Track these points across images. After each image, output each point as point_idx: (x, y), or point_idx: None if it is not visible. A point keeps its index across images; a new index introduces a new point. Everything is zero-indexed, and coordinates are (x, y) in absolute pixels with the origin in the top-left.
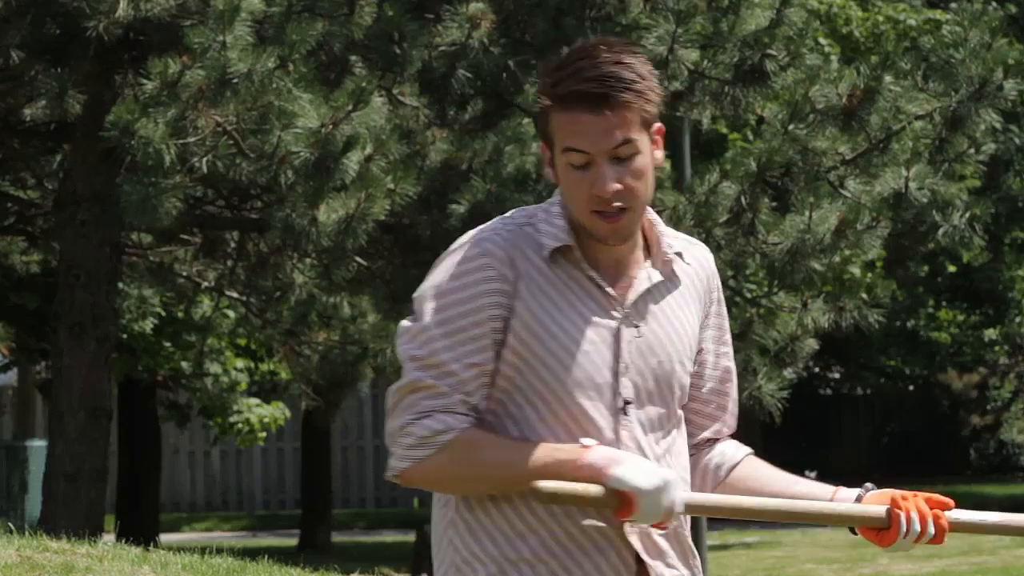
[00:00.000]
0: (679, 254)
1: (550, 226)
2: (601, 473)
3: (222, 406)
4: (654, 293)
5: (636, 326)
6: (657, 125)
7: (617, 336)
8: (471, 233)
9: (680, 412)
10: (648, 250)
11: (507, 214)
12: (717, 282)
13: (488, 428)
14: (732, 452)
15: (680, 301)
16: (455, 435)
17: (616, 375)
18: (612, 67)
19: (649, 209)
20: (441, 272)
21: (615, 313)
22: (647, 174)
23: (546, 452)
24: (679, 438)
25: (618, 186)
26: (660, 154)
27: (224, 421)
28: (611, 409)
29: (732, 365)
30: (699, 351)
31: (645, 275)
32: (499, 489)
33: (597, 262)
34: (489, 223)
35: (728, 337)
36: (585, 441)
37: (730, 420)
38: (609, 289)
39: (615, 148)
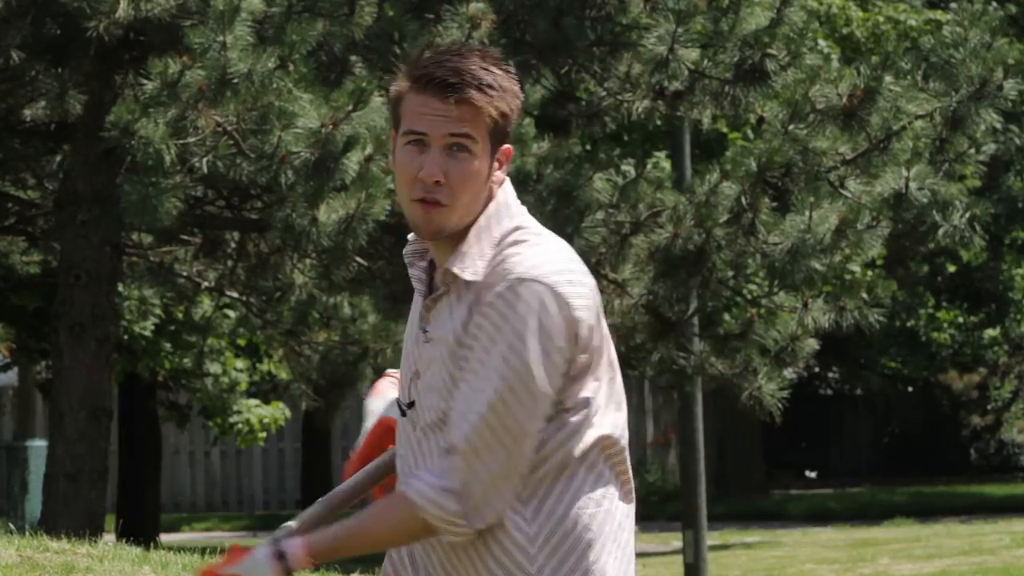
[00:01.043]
0: (447, 271)
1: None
2: None
3: (222, 406)
4: (440, 303)
5: (425, 334)
6: (507, 146)
7: (417, 341)
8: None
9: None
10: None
11: None
12: (481, 307)
13: None
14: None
15: (455, 316)
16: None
17: (411, 379)
18: (475, 68)
19: (492, 225)
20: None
21: (422, 317)
22: (476, 180)
23: None
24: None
25: (440, 175)
26: (501, 175)
27: (224, 421)
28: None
29: (463, 384)
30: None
31: (440, 278)
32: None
33: (436, 263)
34: None
35: (470, 355)
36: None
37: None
38: (421, 288)
39: (450, 136)
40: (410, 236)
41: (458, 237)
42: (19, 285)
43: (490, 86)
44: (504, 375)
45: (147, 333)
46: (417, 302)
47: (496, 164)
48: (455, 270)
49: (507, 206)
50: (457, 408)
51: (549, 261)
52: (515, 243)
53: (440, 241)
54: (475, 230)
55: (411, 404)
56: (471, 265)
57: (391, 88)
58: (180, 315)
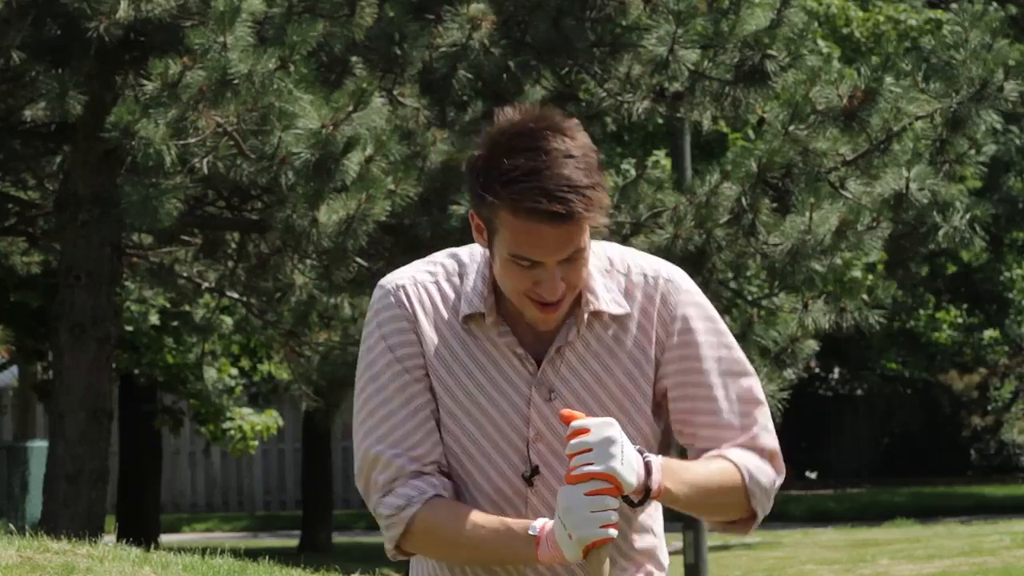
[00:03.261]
0: (596, 311)
1: (472, 288)
2: (557, 559)
3: (215, 412)
4: (576, 351)
5: (546, 392)
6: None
7: (528, 403)
8: (384, 279)
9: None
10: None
11: (433, 258)
12: (680, 312)
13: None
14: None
15: (616, 352)
16: (415, 510)
17: (527, 443)
18: (571, 174)
19: (593, 266)
20: (365, 333)
21: (529, 379)
22: (587, 263)
23: (504, 542)
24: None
25: (561, 291)
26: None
27: (216, 428)
28: (519, 478)
29: (705, 390)
30: (662, 392)
31: (563, 336)
32: (471, 560)
33: (517, 321)
34: (408, 267)
35: (699, 363)
36: (531, 530)
37: (704, 446)
38: (523, 352)
39: (567, 256)
40: (462, 301)
41: None
42: (20, 285)
43: (588, 186)
44: (731, 354)
45: (152, 322)
46: (503, 357)
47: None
48: (604, 308)
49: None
50: (720, 408)
51: (644, 254)
52: (612, 256)
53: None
54: (587, 268)
55: (536, 469)
56: (606, 298)
57: (471, 164)
58: (186, 308)
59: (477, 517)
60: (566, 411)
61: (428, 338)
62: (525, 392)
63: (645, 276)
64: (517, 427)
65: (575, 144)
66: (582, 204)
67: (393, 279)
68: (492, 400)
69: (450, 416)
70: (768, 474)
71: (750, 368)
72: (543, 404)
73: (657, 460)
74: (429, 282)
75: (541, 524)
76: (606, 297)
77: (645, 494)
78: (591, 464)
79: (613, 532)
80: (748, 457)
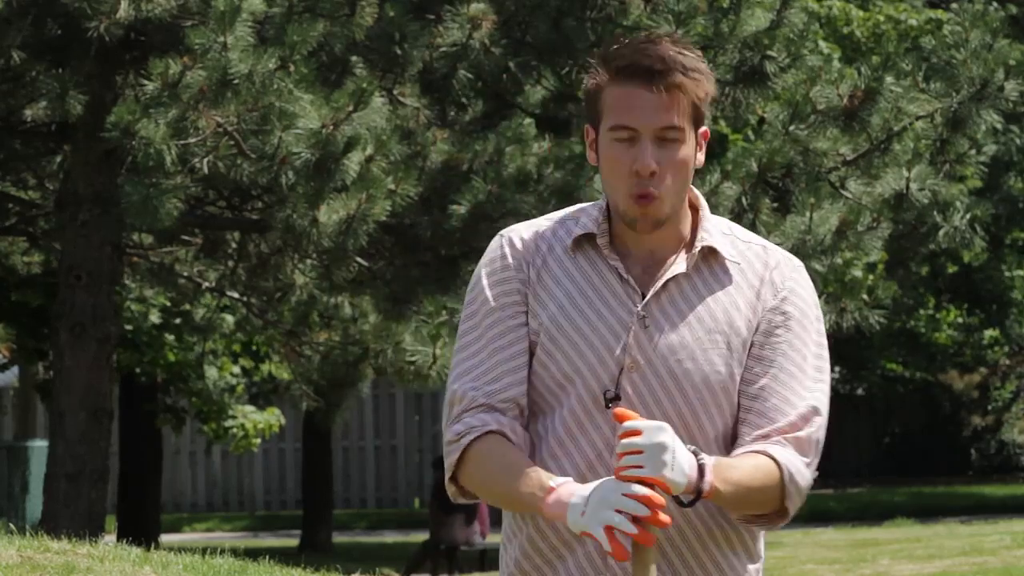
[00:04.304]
0: (711, 248)
1: (587, 216)
2: (559, 518)
3: (217, 411)
4: (682, 287)
5: (649, 323)
6: (704, 128)
7: (629, 330)
8: (503, 231)
9: (722, 409)
10: (690, 244)
11: (564, 210)
12: (792, 286)
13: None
14: (739, 450)
15: (721, 298)
16: (473, 436)
17: (622, 370)
18: (675, 53)
19: (703, 203)
20: (474, 274)
21: (632, 307)
22: (687, 168)
23: (523, 484)
24: (705, 439)
25: (655, 166)
26: (702, 156)
27: (219, 427)
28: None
29: (776, 369)
30: (748, 354)
31: (672, 269)
32: (500, 501)
33: (628, 251)
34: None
35: (779, 354)
36: (552, 482)
37: (757, 420)
38: (630, 279)
39: (662, 129)
40: (576, 227)
41: (668, 222)
42: (20, 285)
43: (692, 69)
44: (820, 357)
45: (154, 321)
46: (607, 285)
47: (698, 147)
48: (719, 248)
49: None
50: (789, 392)
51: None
52: (732, 226)
53: (650, 233)
54: (703, 212)
55: (617, 397)
56: (723, 245)
57: (585, 82)
58: (188, 307)
59: (516, 457)
60: (620, 410)
61: (535, 276)
62: (627, 320)
63: (764, 247)
64: (614, 353)
65: (691, 50)
66: (680, 67)
67: (508, 229)
68: (591, 324)
69: (551, 340)
70: (806, 476)
71: (828, 378)
72: (642, 333)
73: (710, 461)
74: (544, 226)
75: (563, 481)
76: (721, 240)
77: (697, 495)
78: (640, 468)
79: (625, 524)
80: (790, 456)
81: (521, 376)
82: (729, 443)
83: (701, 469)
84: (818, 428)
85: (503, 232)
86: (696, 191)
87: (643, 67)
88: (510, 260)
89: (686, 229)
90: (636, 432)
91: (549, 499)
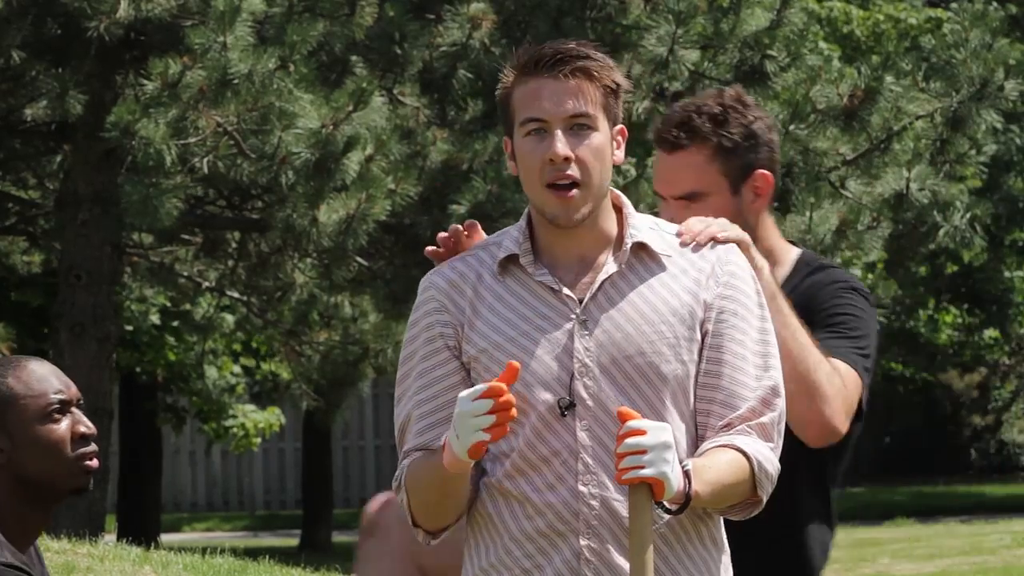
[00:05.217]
0: (641, 243)
1: (508, 238)
2: (453, 461)
3: (218, 410)
4: (617, 286)
5: (591, 326)
6: (620, 126)
7: (571, 337)
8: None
9: (678, 401)
10: (618, 244)
11: (487, 237)
12: (723, 278)
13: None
14: (706, 444)
15: (659, 290)
16: (402, 472)
17: (572, 377)
18: (579, 47)
19: (626, 201)
20: (408, 320)
21: (570, 315)
22: (603, 155)
23: (431, 462)
24: (673, 427)
25: (569, 152)
26: (620, 154)
27: (219, 426)
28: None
29: (727, 355)
30: (702, 340)
31: (605, 270)
32: (440, 502)
33: (556, 261)
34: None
35: (729, 340)
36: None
37: (719, 410)
38: (564, 290)
39: (572, 117)
40: (507, 240)
41: (593, 222)
42: (20, 284)
43: (599, 59)
44: (765, 332)
45: (154, 321)
46: (540, 299)
47: (615, 143)
48: (649, 242)
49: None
50: (746, 376)
51: None
52: (657, 221)
53: (571, 230)
54: (627, 210)
55: (572, 404)
56: (653, 239)
57: (497, 92)
58: (187, 307)
59: (428, 457)
60: (623, 408)
61: (469, 309)
62: (568, 328)
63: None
64: (562, 361)
65: (599, 51)
66: (583, 54)
67: (432, 272)
68: (533, 339)
69: (496, 363)
70: (774, 463)
71: (777, 352)
72: (587, 338)
73: (689, 464)
74: (468, 258)
75: (445, 436)
76: (649, 235)
77: (685, 502)
78: (642, 468)
79: (485, 436)
80: (757, 445)
81: (449, 419)
82: (694, 436)
83: (687, 475)
84: (779, 410)
85: (427, 275)
86: (618, 191)
87: (546, 57)
88: (433, 303)
89: (612, 229)
90: (640, 432)
91: (444, 454)
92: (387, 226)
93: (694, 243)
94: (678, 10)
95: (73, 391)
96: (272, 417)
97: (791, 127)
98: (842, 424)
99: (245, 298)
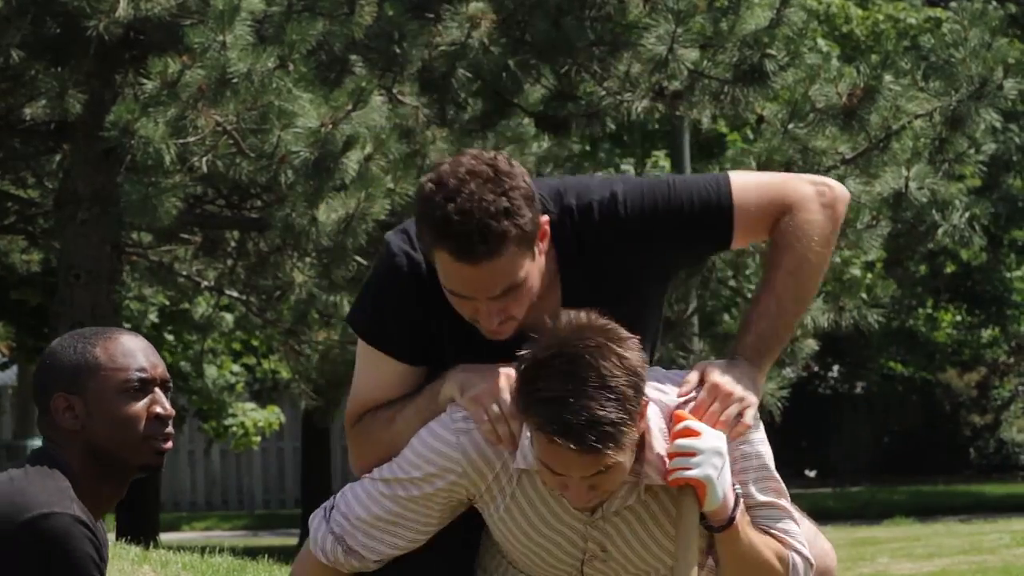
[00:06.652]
0: (654, 487)
1: (521, 451)
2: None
3: (218, 409)
4: (626, 519)
5: (604, 528)
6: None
7: (584, 539)
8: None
9: None
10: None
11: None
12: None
13: None
14: None
15: (663, 524)
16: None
17: (582, 563)
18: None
19: (647, 424)
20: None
21: (579, 520)
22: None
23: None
24: None
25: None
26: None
27: (219, 425)
28: None
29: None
30: None
31: (621, 495)
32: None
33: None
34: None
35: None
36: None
37: None
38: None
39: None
40: (522, 461)
41: None
42: (20, 283)
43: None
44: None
45: (152, 320)
46: (552, 508)
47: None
48: (663, 483)
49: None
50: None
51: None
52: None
53: None
54: (649, 438)
55: None
56: (653, 475)
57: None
58: (185, 306)
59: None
60: (679, 411)
61: (491, 492)
62: (578, 528)
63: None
64: (575, 544)
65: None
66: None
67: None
68: (545, 523)
69: (513, 543)
70: None
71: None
72: (600, 537)
73: (740, 491)
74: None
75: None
76: (661, 462)
77: (728, 522)
78: (689, 469)
79: None
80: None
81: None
82: None
83: (736, 499)
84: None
85: (458, 435)
86: (650, 398)
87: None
88: (456, 473)
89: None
90: (695, 433)
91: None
92: (386, 225)
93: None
94: (677, 9)
95: (159, 371)
96: (271, 416)
97: (790, 126)
98: None
99: (244, 297)
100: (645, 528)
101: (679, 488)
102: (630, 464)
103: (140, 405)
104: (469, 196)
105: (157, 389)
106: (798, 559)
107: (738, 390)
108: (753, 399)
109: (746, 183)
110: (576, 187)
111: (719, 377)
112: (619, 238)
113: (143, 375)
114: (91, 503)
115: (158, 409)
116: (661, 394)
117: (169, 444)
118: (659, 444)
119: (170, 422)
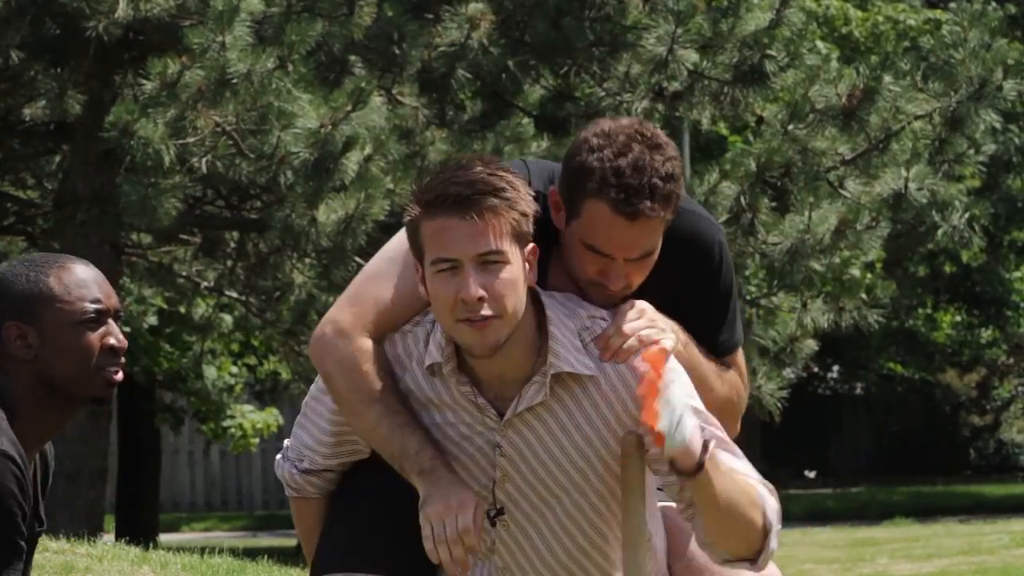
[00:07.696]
0: (564, 374)
1: (434, 340)
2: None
3: (216, 411)
4: (539, 415)
5: (507, 451)
6: (531, 245)
7: (494, 448)
8: None
9: (605, 506)
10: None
11: (429, 315)
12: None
13: None
14: None
15: (581, 423)
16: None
17: (493, 484)
18: (485, 176)
19: (551, 314)
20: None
21: (490, 435)
22: (516, 285)
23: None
24: (600, 536)
25: (482, 292)
26: (534, 275)
27: (217, 426)
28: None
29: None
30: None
31: (527, 399)
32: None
33: (477, 376)
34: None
35: None
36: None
37: None
38: (481, 401)
39: (482, 254)
40: (428, 350)
41: (511, 346)
42: None
43: (502, 189)
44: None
45: (151, 323)
46: (464, 409)
47: (527, 265)
48: (573, 369)
49: (551, 296)
50: None
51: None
52: (584, 324)
53: (489, 357)
54: (552, 329)
55: (501, 510)
56: (577, 361)
57: (404, 217)
58: (183, 310)
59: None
60: (646, 356)
61: (407, 384)
62: (490, 438)
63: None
64: (484, 468)
65: (500, 168)
66: (489, 190)
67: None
68: (456, 444)
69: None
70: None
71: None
72: (510, 449)
73: (712, 441)
74: (411, 336)
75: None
76: (575, 357)
77: (698, 468)
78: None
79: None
80: (770, 500)
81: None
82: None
83: (705, 444)
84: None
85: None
86: (546, 302)
87: (452, 196)
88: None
89: (533, 350)
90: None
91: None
92: (386, 226)
93: (615, 360)
94: (677, 10)
95: (112, 302)
96: (270, 417)
97: (790, 127)
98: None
99: (244, 298)
100: (553, 438)
101: (623, 437)
102: (521, 278)
103: (94, 336)
104: (640, 154)
105: (111, 320)
106: (764, 491)
107: (662, 321)
108: (672, 338)
109: (743, 382)
110: (697, 208)
111: (647, 306)
112: (694, 275)
113: (98, 306)
114: (33, 431)
115: (112, 340)
116: (579, 307)
117: (119, 375)
118: (564, 335)
119: (122, 353)
